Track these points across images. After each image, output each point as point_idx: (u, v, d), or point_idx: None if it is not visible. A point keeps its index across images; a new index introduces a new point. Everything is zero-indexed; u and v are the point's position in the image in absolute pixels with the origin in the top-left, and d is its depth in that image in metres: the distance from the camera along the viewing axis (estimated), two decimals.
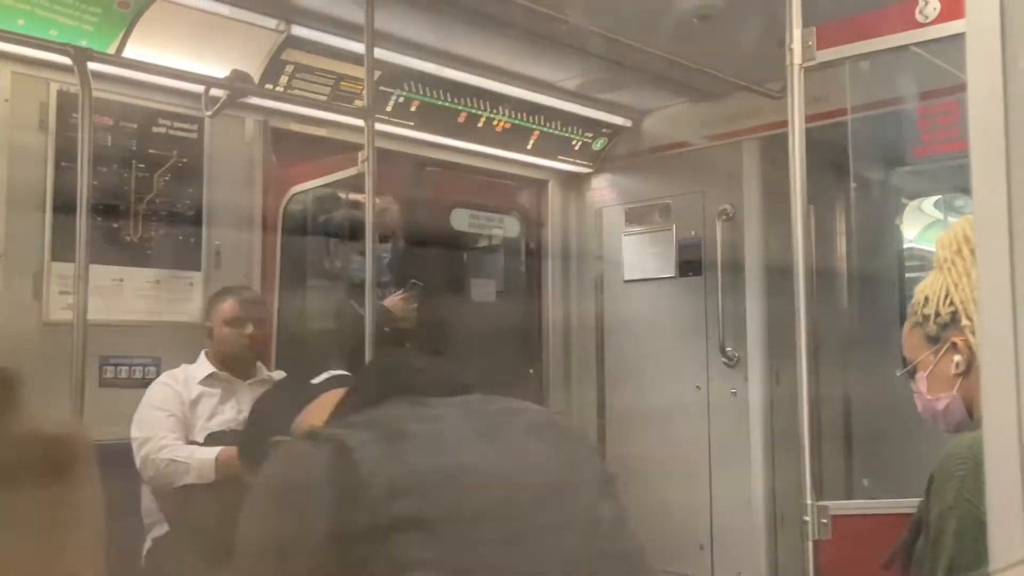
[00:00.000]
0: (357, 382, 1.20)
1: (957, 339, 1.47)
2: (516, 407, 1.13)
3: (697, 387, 4.13)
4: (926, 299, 1.52)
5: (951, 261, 1.49)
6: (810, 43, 2.10)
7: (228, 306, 2.94)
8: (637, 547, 1.09)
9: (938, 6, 2.01)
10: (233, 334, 2.90)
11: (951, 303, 1.47)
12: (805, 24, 2.17)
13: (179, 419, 2.74)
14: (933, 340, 1.50)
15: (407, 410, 1.06)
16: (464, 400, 1.11)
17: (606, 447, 4.48)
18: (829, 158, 3.18)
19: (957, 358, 1.46)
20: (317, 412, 1.18)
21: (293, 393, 1.27)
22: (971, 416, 1.46)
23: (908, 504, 1.59)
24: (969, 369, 1.45)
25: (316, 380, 1.26)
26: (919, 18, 2.03)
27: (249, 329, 2.90)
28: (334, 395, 1.20)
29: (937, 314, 1.49)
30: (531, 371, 4.66)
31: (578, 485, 1.08)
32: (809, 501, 2.07)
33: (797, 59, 2.12)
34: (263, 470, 1.02)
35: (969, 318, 1.44)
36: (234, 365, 2.91)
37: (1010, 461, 0.91)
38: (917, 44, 2.07)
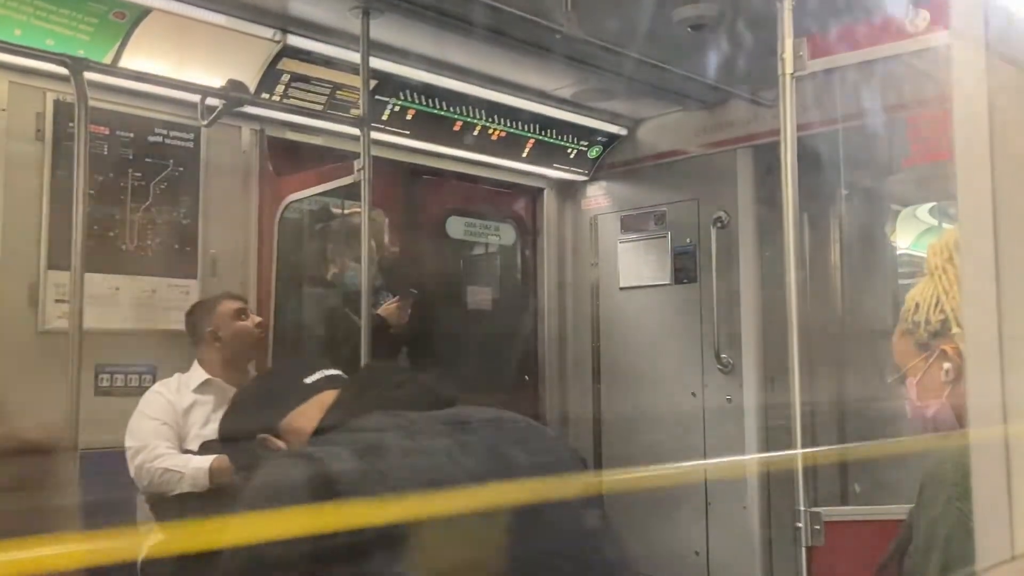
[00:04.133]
0: (342, 396, 1.22)
1: (947, 347, 1.46)
2: (498, 418, 1.14)
3: (693, 394, 4.14)
4: (916, 306, 1.52)
5: (942, 268, 1.49)
6: (801, 53, 2.12)
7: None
8: (622, 554, 1.10)
9: (928, 17, 2.03)
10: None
11: (941, 310, 1.47)
12: (797, 34, 2.19)
13: (172, 428, 2.74)
14: (923, 347, 1.49)
15: (388, 424, 1.07)
16: (445, 413, 1.13)
17: (602, 452, 4.49)
18: (826, 164, 3.20)
19: (947, 365, 1.46)
20: (307, 415, 1.19)
21: (281, 387, 1.28)
22: (960, 423, 1.46)
23: (900, 510, 1.59)
24: (959, 377, 1.45)
25: (309, 379, 1.26)
26: (909, 28, 2.05)
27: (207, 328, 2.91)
28: (326, 398, 1.21)
29: (927, 321, 1.49)
30: (526, 378, 4.67)
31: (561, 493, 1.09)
32: (802, 507, 2.08)
33: (788, 68, 2.14)
34: (248, 486, 1.03)
35: (959, 326, 1.45)
36: (220, 369, 2.90)
37: (995, 465, 0.93)
38: (907, 54, 2.09)
